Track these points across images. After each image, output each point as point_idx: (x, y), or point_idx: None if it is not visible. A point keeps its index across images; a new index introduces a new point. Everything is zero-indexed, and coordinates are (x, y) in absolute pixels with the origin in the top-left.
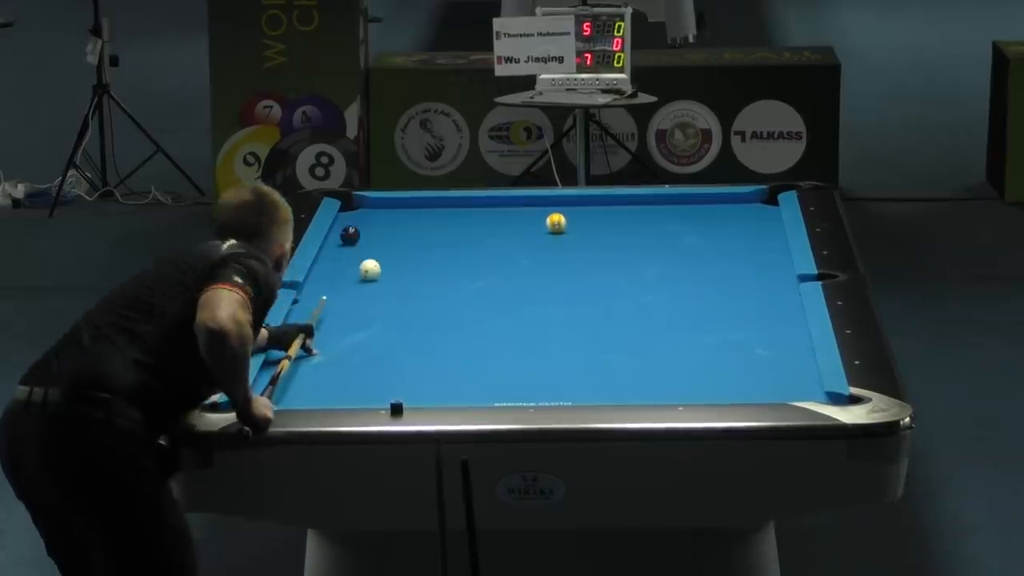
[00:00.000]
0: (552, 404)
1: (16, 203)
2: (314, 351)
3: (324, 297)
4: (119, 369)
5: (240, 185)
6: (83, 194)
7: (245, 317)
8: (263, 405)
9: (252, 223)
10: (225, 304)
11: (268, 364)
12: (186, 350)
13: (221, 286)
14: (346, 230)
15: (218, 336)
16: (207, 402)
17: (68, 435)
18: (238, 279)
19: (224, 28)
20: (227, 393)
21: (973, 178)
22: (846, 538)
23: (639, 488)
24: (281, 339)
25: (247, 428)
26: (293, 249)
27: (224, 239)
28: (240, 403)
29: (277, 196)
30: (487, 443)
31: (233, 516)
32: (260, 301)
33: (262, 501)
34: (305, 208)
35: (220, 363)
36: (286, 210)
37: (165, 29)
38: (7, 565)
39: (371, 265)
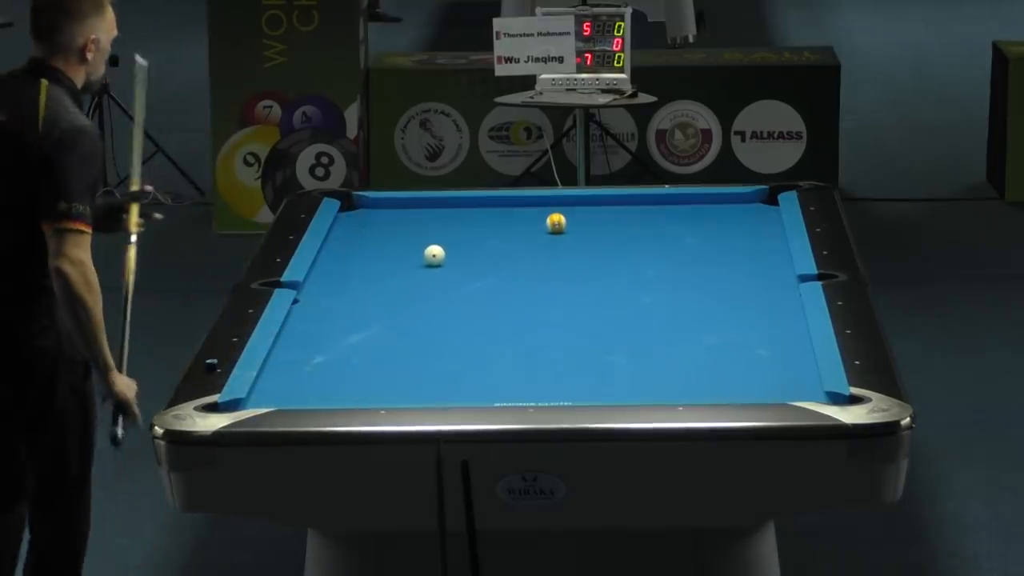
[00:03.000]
0: (552, 404)
1: None
2: (156, 216)
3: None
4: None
5: None
6: None
7: (87, 259)
8: (126, 383)
9: (52, 22)
10: (71, 250)
11: None
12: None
13: (64, 224)
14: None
15: (69, 286)
16: (207, 403)
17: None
18: (77, 204)
19: (224, 28)
20: (88, 355)
21: (973, 178)
22: (846, 538)
23: (639, 488)
24: (109, 217)
25: (121, 426)
26: (292, 246)
27: (36, 47)
28: (101, 370)
29: None
30: (487, 443)
31: (233, 516)
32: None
33: (262, 501)
34: (305, 208)
35: (75, 316)
36: (90, 2)
37: (165, 29)
38: None
39: (437, 250)
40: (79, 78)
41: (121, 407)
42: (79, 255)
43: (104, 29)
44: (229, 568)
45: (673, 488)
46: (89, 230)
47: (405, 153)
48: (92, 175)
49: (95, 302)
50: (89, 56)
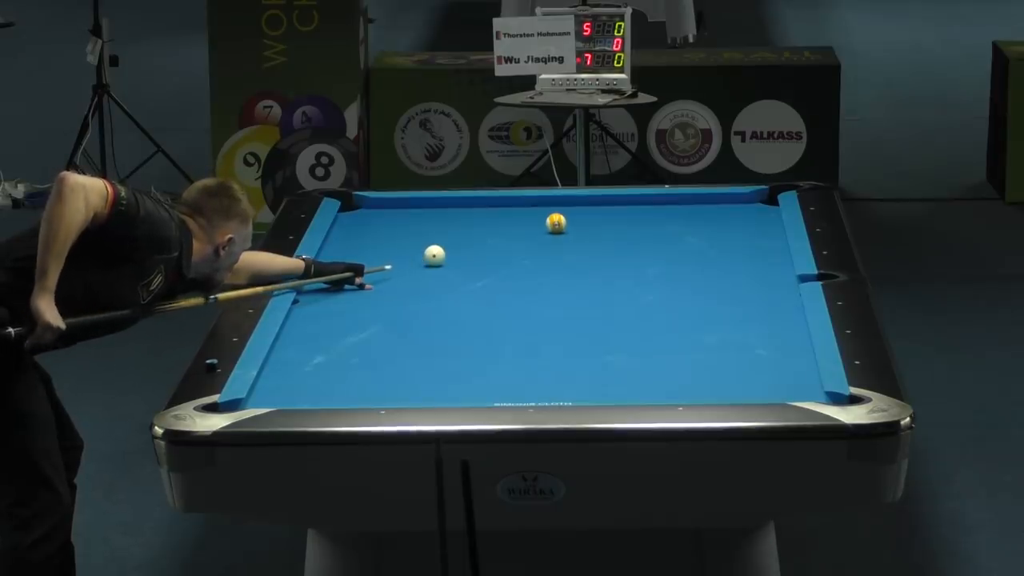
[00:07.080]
0: (552, 404)
1: (16, 203)
2: (367, 286)
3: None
4: None
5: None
6: None
7: (92, 196)
8: (54, 314)
9: (201, 201)
10: (86, 178)
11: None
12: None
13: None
14: None
15: (56, 185)
16: (207, 403)
17: None
18: (121, 187)
19: (224, 28)
20: (38, 267)
21: (973, 178)
22: (846, 538)
23: (639, 488)
24: (323, 274)
25: (18, 330)
26: (292, 246)
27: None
28: (38, 286)
29: (237, 192)
30: (487, 443)
31: (233, 516)
32: (127, 218)
33: (262, 501)
34: (305, 208)
35: (46, 219)
36: (240, 205)
37: (165, 29)
38: None
39: (437, 250)
40: (200, 255)
41: (31, 326)
42: (86, 180)
43: (238, 232)
44: (229, 568)
45: (673, 488)
46: (113, 192)
47: (405, 153)
48: (139, 208)
49: (68, 217)
50: (224, 253)
